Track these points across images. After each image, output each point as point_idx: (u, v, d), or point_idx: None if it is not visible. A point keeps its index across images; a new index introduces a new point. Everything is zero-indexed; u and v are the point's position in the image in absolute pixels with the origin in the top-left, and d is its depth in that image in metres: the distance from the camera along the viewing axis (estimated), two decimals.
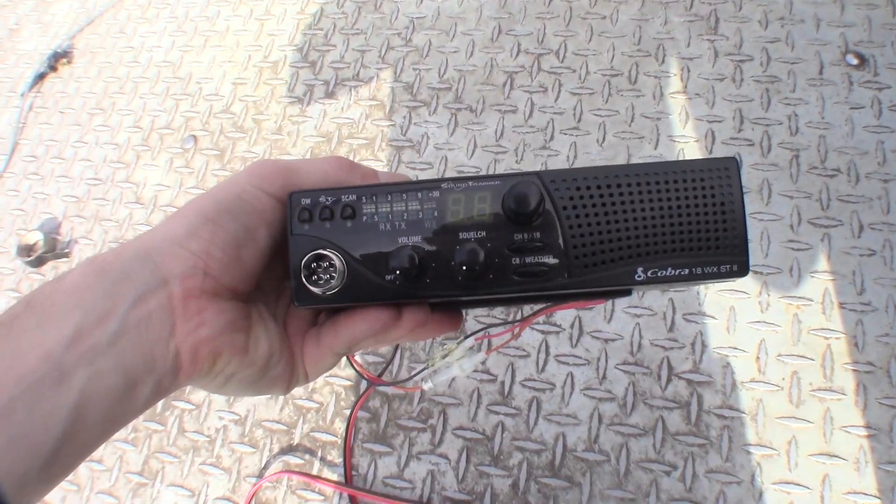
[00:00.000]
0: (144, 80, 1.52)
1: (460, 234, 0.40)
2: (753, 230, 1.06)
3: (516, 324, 0.84)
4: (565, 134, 1.21)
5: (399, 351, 1.08)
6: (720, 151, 1.13)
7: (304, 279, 0.40)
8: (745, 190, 1.06)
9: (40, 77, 1.59)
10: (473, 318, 1.04)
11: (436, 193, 0.41)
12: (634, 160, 1.15)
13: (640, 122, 1.19)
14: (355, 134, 1.31)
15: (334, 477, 1.02)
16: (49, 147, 1.49)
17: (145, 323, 0.35)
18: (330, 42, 1.44)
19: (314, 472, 1.03)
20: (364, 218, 0.41)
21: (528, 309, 0.86)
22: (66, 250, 1.33)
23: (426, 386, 0.90)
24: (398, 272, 0.39)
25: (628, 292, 0.42)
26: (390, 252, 0.40)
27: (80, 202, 1.39)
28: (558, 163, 1.18)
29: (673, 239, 0.39)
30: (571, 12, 1.34)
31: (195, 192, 1.32)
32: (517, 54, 1.32)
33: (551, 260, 0.40)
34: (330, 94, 1.37)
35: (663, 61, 1.25)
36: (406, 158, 1.25)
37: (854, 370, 0.95)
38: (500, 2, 1.40)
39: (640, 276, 0.40)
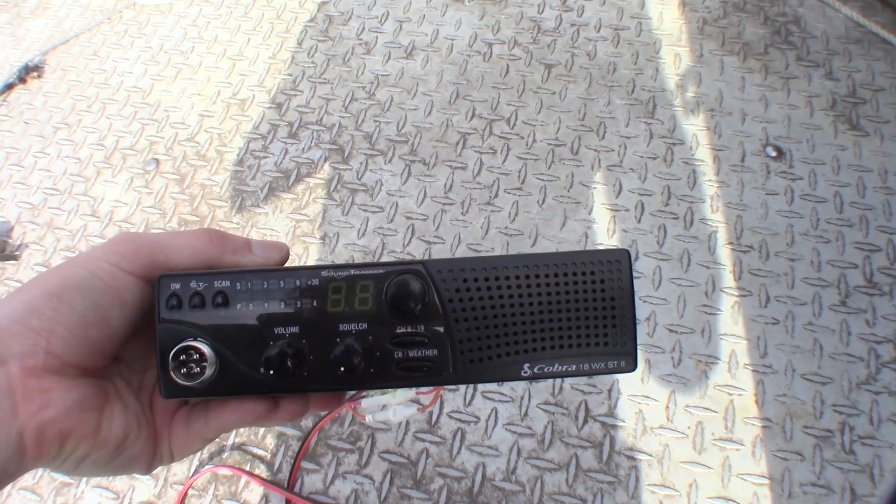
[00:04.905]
0: (113, 102, 1.57)
1: (340, 325, 0.39)
2: (672, 293, 1.16)
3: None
4: (509, 193, 1.31)
5: None
6: (648, 222, 1.24)
7: (171, 371, 0.38)
8: (663, 257, 1.18)
9: (8, 87, 1.62)
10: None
11: (315, 281, 0.39)
12: (570, 222, 1.25)
13: (577, 189, 1.30)
14: (313, 173, 1.38)
15: (261, 490, 1.05)
16: (9, 154, 1.51)
17: None
18: (297, 87, 1.52)
19: (240, 485, 1.05)
20: (238, 306, 0.39)
21: None
22: (16, 253, 1.34)
23: (369, 418, 0.94)
24: (270, 371, 0.38)
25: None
26: (263, 347, 0.38)
27: (34, 209, 1.42)
28: (500, 218, 1.27)
29: (560, 335, 0.39)
30: (524, 85, 1.46)
31: (152, 212, 1.36)
32: (471, 118, 1.43)
33: (436, 354, 0.39)
34: (293, 135, 1.45)
35: (603, 137, 1.37)
36: (359, 201, 1.33)
37: (753, 424, 1.04)
38: (460, 69, 1.51)
39: (526, 373, 0.39)
